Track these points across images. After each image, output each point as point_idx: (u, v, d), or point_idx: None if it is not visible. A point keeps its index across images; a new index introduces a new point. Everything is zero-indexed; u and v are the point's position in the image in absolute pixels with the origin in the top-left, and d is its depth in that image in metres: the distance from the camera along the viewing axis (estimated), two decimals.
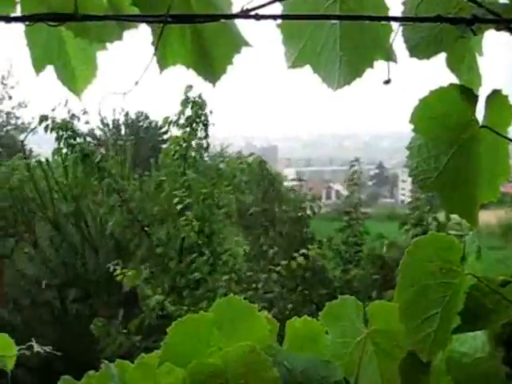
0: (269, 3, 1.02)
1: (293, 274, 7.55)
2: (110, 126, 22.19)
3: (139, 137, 20.91)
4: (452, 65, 1.11)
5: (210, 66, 1.06)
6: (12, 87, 19.09)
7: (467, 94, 1.11)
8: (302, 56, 1.13)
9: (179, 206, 7.43)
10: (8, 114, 19.98)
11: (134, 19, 1.03)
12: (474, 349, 1.33)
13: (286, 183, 9.28)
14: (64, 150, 8.20)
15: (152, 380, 1.13)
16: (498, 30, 1.08)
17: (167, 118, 7.91)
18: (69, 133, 7.91)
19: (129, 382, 1.13)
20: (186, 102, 7.80)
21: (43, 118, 8.04)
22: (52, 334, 7.63)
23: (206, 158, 8.66)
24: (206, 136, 8.07)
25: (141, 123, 24.56)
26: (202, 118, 7.88)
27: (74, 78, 1.16)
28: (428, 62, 1.13)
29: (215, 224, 7.45)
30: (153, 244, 7.56)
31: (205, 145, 8.13)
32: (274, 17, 1.04)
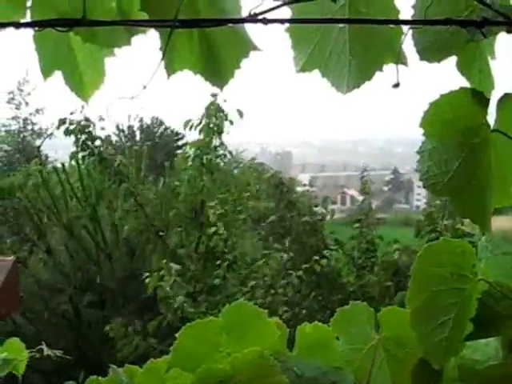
0: (277, 7, 1.02)
1: (308, 280, 7.54)
2: (126, 132, 22.30)
3: (154, 142, 21.01)
4: (462, 68, 1.10)
5: (218, 71, 1.05)
6: (28, 94, 19.27)
7: (478, 97, 1.09)
8: (311, 60, 1.12)
9: (210, 216, 7.41)
10: (25, 120, 20.14)
11: (141, 24, 1.03)
12: (487, 356, 1.32)
13: (299, 188, 9.26)
14: (81, 154, 8.25)
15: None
16: (508, 32, 1.07)
17: (189, 121, 7.91)
18: (86, 136, 7.97)
19: None
20: (209, 108, 7.81)
21: (62, 122, 8.09)
22: (66, 339, 7.66)
23: (221, 164, 8.67)
24: (225, 146, 8.09)
25: (156, 129, 24.69)
26: (220, 127, 7.89)
27: (82, 83, 1.16)
28: (444, 67, 1.12)
29: (233, 230, 7.46)
30: (167, 249, 7.58)
31: (221, 152, 8.14)
32: (282, 21, 1.04)
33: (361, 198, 9.36)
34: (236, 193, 7.81)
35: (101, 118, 8.94)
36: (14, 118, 20.19)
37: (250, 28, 1.10)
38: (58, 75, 1.22)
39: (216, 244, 7.21)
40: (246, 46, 1.04)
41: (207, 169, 7.68)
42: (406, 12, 1.07)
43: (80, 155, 8.25)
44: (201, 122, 7.71)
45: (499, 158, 1.13)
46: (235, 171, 9.10)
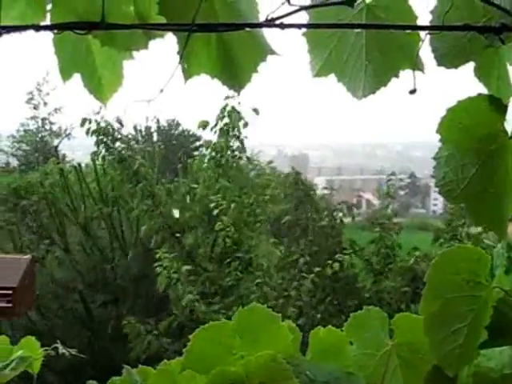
0: (294, 12, 1.02)
1: (324, 284, 7.52)
2: (143, 133, 22.43)
3: (171, 144, 21.10)
4: (480, 74, 1.09)
5: (235, 75, 1.06)
6: (47, 94, 19.45)
7: (496, 104, 1.09)
8: (327, 65, 1.12)
9: (215, 211, 7.44)
10: (43, 119, 20.33)
11: (159, 28, 1.04)
12: (502, 364, 1.31)
13: (318, 192, 9.24)
14: (102, 154, 8.31)
15: None
16: None
17: (205, 121, 7.93)
18: (109, 137, 8.04)
19: None
20: (224, 110, 7.83)
21: (85, 121, 8.16)
22: (79, 337, 7.72)
23: (240, 168, 8.66)
24: (242, 148, 8.09)
25: (172, 131, 24.81)
26: (236, 129, 7.90)
27: (101, 86, 1.17)
28: (463, 72, 1.12)
29: (248, 232, 7.46)
30: (184, 249, 7.61)
31: (238, 155, 8.14)
32: (300, 26, 1.04)
33: (376, 201, 9.33)
34: (253, 195, 7.82)
35: (118, 120, 9.01)
36: (32, 118, 20.41)
37: (267, 32, 1.11)
38: (77, 77, 1.23)
39: (224, 242, 7.21)
40: (264, 51, 1.04)
41: (223, 170, 7.70)
42: (423, 18, 1.07)
43: (101, 155, 8.30)
44: (216, 124, 7.74)
45: None
46: (251, 173, 9.11)
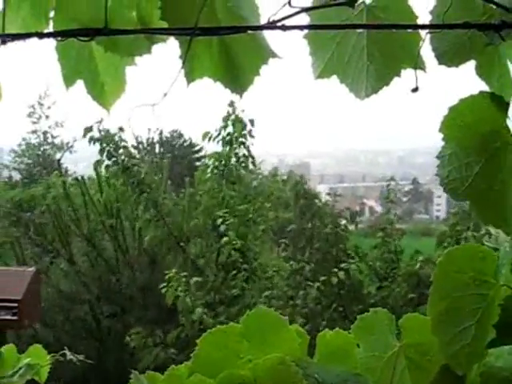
0: (295, 14, 1.02)
1: (329, 291, 7.50)
2: (145, 145, 22.47)
3: (174, 155, 21.15)
4: (482, 72, 1.10)
5: (237, 78, 1.06)
6: (49, 107, 19.55)
7: (497, 101, 1.09)
8: (329, 66, 1.13)
9: (222, 227, 7.44)
10: (45, 133, 20.42)
11: (162, 32, 1.05)
12: (511, 363, 1.30)
13: (318, 200, 9.24)
14: (105, 163, 8.32)
15: None
16: None
17: (207, 132, 7.95)
18: (112, 145, 8.05)
19: None
20: (227, 119, 7.84)
21: (88, 130, 8.18)
22: (87, 348, 7.69)
23: (245, 178, 8.67)
24: (249, 156, 8.10)
25: (175, 141, 24.86)
26: (242, 137, 7.91)
27: (103, 92, 1.18)
28: (465, 73, 1.12)
29: (252, 240, 7.46)
30: (188, 259, 7.60)
31: (244, 164, 8.14)
32: (301, 27, 1.05)
33: (379, 208, 9.35)
34: (257, 203, 7.82)
35: (121, 129, 9.03)
36: (34, 132, 20.50)
37: (268, 35, 1.11)
38: (79, 87, 1.24)
39: (229, 254, 7.21)
40: (266, 53, 1.05)
41: (227, 180, 7.70)
42: (423, 17, 1.08)
43: (104, 164, 8.32)
44: (219, 134, 7.75)
45: None
46: (254, 183, 9.11)
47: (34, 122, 19.97)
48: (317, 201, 8.16)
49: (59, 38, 1.15)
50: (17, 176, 21.09)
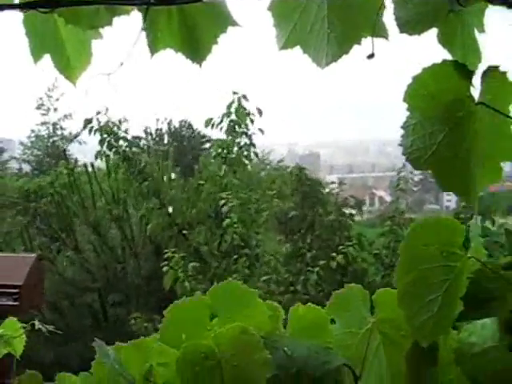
0: None
1: (331, 278, 7.48)
2: (154, 135, 22.48)
3: (182, 145, 21.14)
4: (444, 41, 1.09)
5: (196, 48, 1.06)
6: (57, 99, 19.60)
7: (461, 69, 1.08)
8: (293, 37, 1.12)
9: (224, 208, 7.44)
10: (54, 125, 20.48)
11: (118, 2, 1.05)
12: (484, 339, 1.29)
13: (327, 190, 9.20)
14: (106, 154, 8.36)
15: (145, 359, 1.14)
16: (491, 3, 1.05)
17: (210, 119, 7.94)
18: (112, 136, 8.08)
19: (124, 362, 1.14)
20: (230, 106, 7.81)
21: (88, 122, 8.22)
22: (91, 335, 7.74)
23: (248, 167, 8.66)
24: (251, 145, 8.08)
25: (184, 132, 24.83)
26: (244, 126, 7.88)
27: (69, 66, 1.18)
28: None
29: (255, 228, 7.45)
30: (191, 246, 7.62)
31: (246, 153, 8.12)
32: None
33: (389, 198, 9.30)
34: (260, 191, 7.81)
35: (125, 120, 9.05)
36: (43, 124, 20.58)
37: (232, 7, 1.11)
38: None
39: (232, 238, 7.20)
40: (224, 21, 1.05)
41: (229, 166, 7.69)
42: None
43: (105, 154, 8.35)
44: (222, 121, 7.74)
45: (486, 132, 1.11)
46: (262, 173, 9.09)
47: (43, 114, 20.05)
48: (321, 189, 8.13)
49: (25, 11, 1.16)
50: (27, 168, 21.23)
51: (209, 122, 7.87)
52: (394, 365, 1.35)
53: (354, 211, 8.82)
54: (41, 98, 19.55)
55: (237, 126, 7.74)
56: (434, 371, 1.33)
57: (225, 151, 7.78)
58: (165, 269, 7.14)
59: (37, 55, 1.21)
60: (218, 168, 7.81)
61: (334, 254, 7.22)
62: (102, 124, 8.13)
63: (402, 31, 1.05)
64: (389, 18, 1.09)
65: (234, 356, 1.13)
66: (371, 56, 1.00)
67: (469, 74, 1.08)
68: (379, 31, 1.04)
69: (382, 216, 9.26)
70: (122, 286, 8.40)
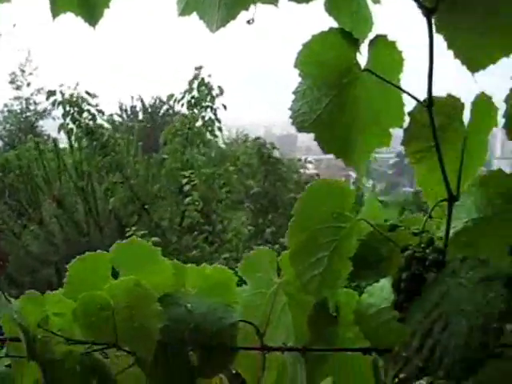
0: None
1: None
2: (128, 112, 22.26)
3: (156, 122, 20.98)
4: (331, 9, 1.13)
5: (92, 12, 1.10)
6: (30, 74, 19.30)
7: (347, 37, 1.12)
8: (190, 4, 1.16)
9: (187, 187, 7.47)
10: (27, 100, 20.18)
11: None
12: (381, 299, 1.35)
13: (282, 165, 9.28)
14: (69, 127, 8.31)
15: (41, 309, 1.18)
16: None
17: (172, 95, 7.95)
18: (75, 109, 8.04)
19: (24, 313, 1.18)
20: (192, 82, 7.83)
21: (50, 93, 8.15)
22: None
23: (222, 145, 8.67)
24: (215, 119, 8.08)
25: (158, 109, 24.60)
26: (209, 100, 7.90)
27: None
28: None
29: (216, 203, 7.51)
30: (152, 222, 7.66)
31: (210, 128, 8.15)
32: None
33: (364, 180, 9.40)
34: (222, 167, 7.87)
35: (94, 96, 8.97)
36: (16, 99, 20.26)
37: None
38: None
39: (192, 214, 7.25)
40: None
41: (191, 143, 7.73)
42: None
43: (68, 127, 8.30)
44: (183, 97, 7.75)
45: (372, 99, 1.15)
46: (223, 146, 9.04)
47: (16, 89, 19.73)
48: (280, 166, 8.22)
49: None
50: None
51: (170, 98, 7.88)
52: (298, 324, 1.40)
53: None
54: (13, 73, 19.25)
55: (200, 102, 7.77)
56: (334, 330, 1.38)
57: (187, 127, 7.80)
58: None
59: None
60: (180, 144, 7.83)
61: None
62: (63, 95, 8.07)
63: None
64: None
65: (127, 307, 1.17)
66: (250, 22, 1.04)
67: (355, 42, 1.12)
68: None
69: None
70: None
